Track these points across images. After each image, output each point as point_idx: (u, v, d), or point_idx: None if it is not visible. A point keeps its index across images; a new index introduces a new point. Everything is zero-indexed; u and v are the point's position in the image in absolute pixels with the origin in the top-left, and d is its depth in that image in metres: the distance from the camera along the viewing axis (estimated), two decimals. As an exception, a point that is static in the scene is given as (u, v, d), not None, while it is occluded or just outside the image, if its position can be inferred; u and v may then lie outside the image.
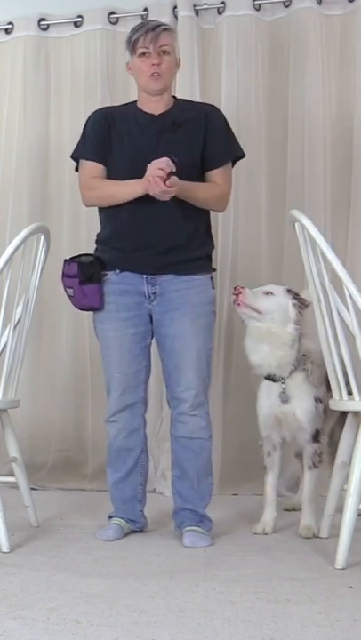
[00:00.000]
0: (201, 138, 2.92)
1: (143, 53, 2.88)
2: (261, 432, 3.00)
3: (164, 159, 2.72)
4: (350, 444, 2.64)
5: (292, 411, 2.92)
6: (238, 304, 2.91)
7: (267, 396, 2.97)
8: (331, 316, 2.65)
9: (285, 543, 2.83)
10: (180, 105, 3.02)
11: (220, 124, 2.99)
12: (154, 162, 2.73)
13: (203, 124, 2.93)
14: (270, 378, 2.95)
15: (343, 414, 3.13)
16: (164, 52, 2.89)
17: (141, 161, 2.82)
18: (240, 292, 2.90)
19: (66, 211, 4.23)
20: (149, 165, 2.74)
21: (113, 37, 4.21)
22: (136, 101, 3.02)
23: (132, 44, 2.91)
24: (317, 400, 2.94)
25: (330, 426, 3.13)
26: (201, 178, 2.94)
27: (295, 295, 2.95)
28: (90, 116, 3.05)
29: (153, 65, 2.87)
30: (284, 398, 2.92)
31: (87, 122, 3.04)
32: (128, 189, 2.83)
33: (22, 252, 2.84)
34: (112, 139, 2.94)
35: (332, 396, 2.75)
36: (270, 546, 2.77)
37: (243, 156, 3.04)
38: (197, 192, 2.87)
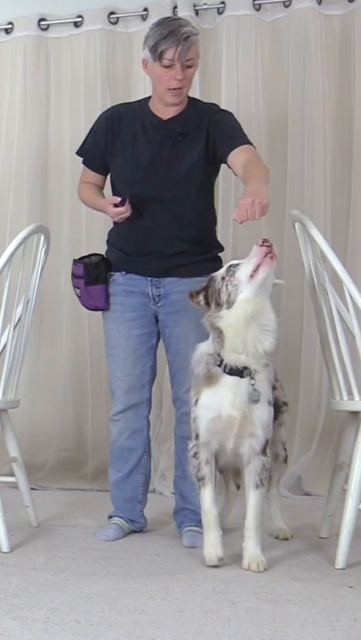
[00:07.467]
0: (204, 145, 2.84)
1: (168, 65, 2.76)
2: (201, 436, 2.51)
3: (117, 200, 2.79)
4: (350, 444, 2.64)
5: (249, 413, 2.44)
6: (272, 257, 2.39)
7: (226, 394, 2.44)
8: (331, 315, 2.65)
9: (285, 543, 2.82)
10: (191, 107, 2.91)
11: (227, 117, 2.91)
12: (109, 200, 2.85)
13: (205, 130, 2.85)
14: (237, 372, 2.45)
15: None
16: (189, 65, 2.77)
17: (142, 172, 2.84)
18: (272, 244, 2.40)
19: (66, 211, 4.23)
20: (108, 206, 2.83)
21: (113, 37, 4.22)
22: (150, 98, 2.93)
23: (158, 53, 2.74)
24: (270, 403, 2.52)
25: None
26: (207, 179, 2.92)
27: None
28: (100, 116, 3.03)
29: (176, 80, 2.76)
30: (255, 397, 2.42)
31: (96, 121, 3.02)
32: (97, 207, 3.01)
33: (22, 251, 2.85)
34: (116, 143, 2.92)
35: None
36: (270, 546, 2.77)
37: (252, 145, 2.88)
38: (267, 181, 2.63)
